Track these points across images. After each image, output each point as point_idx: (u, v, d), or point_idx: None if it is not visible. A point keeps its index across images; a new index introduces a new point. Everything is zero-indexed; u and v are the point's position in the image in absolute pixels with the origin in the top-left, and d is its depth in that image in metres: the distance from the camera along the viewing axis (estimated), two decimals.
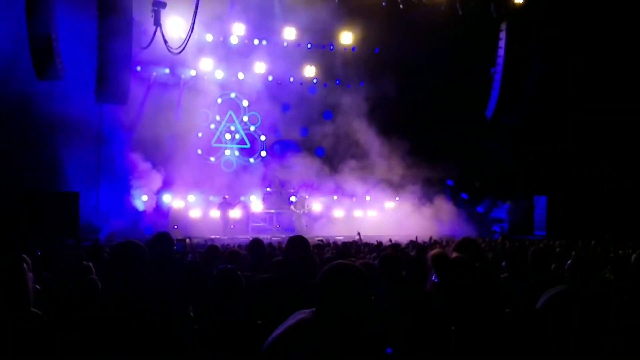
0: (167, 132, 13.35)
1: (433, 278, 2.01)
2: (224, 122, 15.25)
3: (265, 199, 14.09)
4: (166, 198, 12.99)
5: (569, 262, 3.27)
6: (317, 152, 14.88)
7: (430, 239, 8.19)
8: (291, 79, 15.10)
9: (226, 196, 13.24)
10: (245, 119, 15.46)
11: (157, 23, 10.64)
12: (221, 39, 13.87)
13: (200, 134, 14.81)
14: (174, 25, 11.69)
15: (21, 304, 2.17)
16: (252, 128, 15.51)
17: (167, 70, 13.76)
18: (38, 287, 2.98)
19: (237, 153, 15.36)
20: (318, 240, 8.21)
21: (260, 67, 14.46)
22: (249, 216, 13.52)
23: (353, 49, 14.63)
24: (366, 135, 14.23)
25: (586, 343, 2.18)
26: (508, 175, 14.78)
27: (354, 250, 6.50)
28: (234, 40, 13.93)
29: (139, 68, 12.97)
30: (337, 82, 15.33)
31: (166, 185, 12.99)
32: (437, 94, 13.75)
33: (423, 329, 2.16)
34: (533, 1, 12.23)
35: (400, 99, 14.18)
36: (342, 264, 1.76)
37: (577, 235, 10.09)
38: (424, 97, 13.98)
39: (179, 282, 3.36)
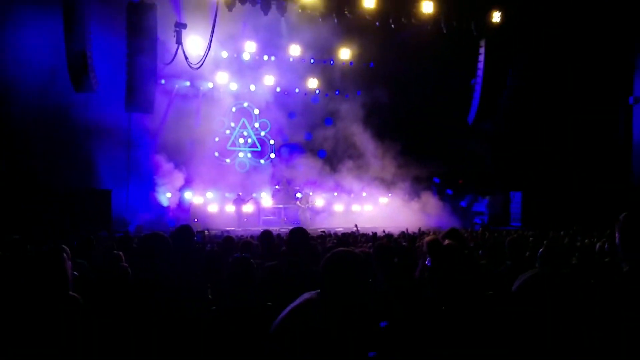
0: (188, 137, 13.33)
1: (427, 262, 2.00)
2: (237, 128, 15.22)
3: (274, 195, 14.06)
4: (187, 195, 12.98)
5: (541, 249, 3.26)
6: (320, 153, 14.83)
7: (419, 230, 8.15)
8: (296, 90, 15.05)
9: (240, 193, 13.22)
10: (257, 125, 15.43)
11: (179, 42, 10.65)
12: (235, 55, 13.85)
13: (217, 139, 14.78)
14: (194, 44, 11.68)
15: (61, 289, 2.16)
16: (263, 133, 15.48)
17: (187, 83, 13.74)
18: (76, 273, 2.97)
19: (249, 155, 15.33)
20: (320, 231, 8.18)
21: (269, 79, 14.43)
22: (260, 210, 13.49)
23: (351, 63, 14.59)
24: (362, 139, 14.18)
25: (557, 318, 2.16)
26: (487, 174, 14.72)
27: (352, 240, 6.47)
28: (246, 56, 13.91)
29: (163, 81, 12.95)
30: (337, 92, 15.27)
31: (187, 183, 12.98)
32: (424, 102, 13.70)
33: (413, 309, 2.14)
34: (509, 22, 12.19)
35: (393, 107, 14.13)
36: (343, 251, 1.75)
37: (549, 226, 10.03)
38: (413, 105, 13.93)
39: (199, 268, 3.35)
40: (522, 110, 13.68)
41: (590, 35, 12.68)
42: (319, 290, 1.70)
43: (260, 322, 2.02)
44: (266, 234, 3.99)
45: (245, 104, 15.27)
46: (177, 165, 12.79)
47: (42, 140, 10.80)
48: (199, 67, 11.20)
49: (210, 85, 14.06)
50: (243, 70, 14.12)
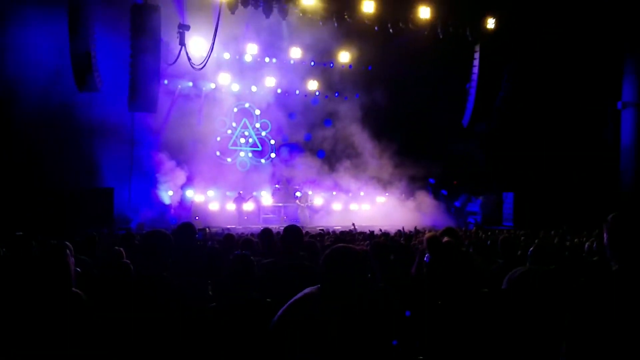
0: (190, 137, 13.28)
1: (425, 258, 1.99)
2: (239, 128, 15.19)
3: (274, 194, 14.04)
4: (189, 193, 12.94)
5: (531, 248, 3.27)
6: (319, 154, 14.83)
7: (415, 228, 8.15)
8: (297, 92, 15.03)
9: (240, 191, 13.20)
10: (258, 125, 15.40)
11: (182, 43, 10.61)
12: (237, 57, 13.82)
13: (218, 138, 14.74)
14: (197, 45, 11.63)
15: (64, 285, 2.14)
16: (264, 133, 15.45)
17: (190, 84, 13.69)
18: (78, 269, 2.95)
19: (250, 155, 15.31)
20: (319, 229, 8.18)
21: (270, 81, 14.41)
22: (260, 209, 13.47)
23: (350, 66, 14.59)
24: (360, 139, 14.20)
25: (544, 312, 2.16)
26: (481, 175, 14.78)
27: (349, 238, 6.45)
28: (248, 58, 13.87)
29: (166, 81, 12.90)
30: (336, 94, 15.26)
31: (189, 182, 12.93)
32: (421, 105, 13.73)
33: (409, 303, 2.14)
34: (503, 28, 12.24)
35: (390, 109, 14.15)
36: (343, 246, 1.75)
37: (539, 226, 10.07)
38: (410, 108, 13.96)
39: (200, 265, 3.34)
40: (515, 113, 13.74)
41: (580, 42, 12.78)
42: (318, 286, 1.70)
43: (260, 318, 2.01)
44: (266, 231, 3.97)
45: (247, 105, 15.24)
46: (179, 164, 12.75)
47: (46, 139, 10.74)
48: (202, 68, 11.17)
49: (213, 86, 14.02)
50: (245, 71, 14.09)
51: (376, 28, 11.57)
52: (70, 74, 10.17)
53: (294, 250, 2.90)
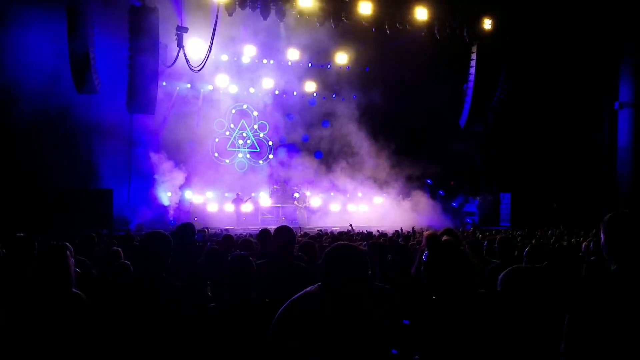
0: (188, 138, 13.28)
1: (424, 256, 1.99)
2: (237, 130, 15.19)
3: (272, 195, 14.04)
4: (187, 194, 12.92)
5: (527, 248, 3.29)
6: (317, 154, 14.84)
7: (413, 229, 8.16)
8: (295, 93, 15.05)
9: (239, 192, 13.19)
10: (256, 126, 15.40)
11: (180, 45, 10.60)
12: (235, 58, 13.83)
13: (217, 140, 14.75)
14: (195, 47, 11.63)
15: (64, 286, 2.15)
16: (261, 134, 15.45)
17: (188, 85, 13.69)
18: (78, 270, 2.95)
19: (248, 156, 15.31)
20: (317, 230, 8.18)
21: (268, 82, 14.42)
22: (258, 210, 13.47)
23: (347, 67, 14.62)
24: (358, 140, 14.22)
25: (535, 309, 2.16)
26: (478, 175, 14.82)
27: (347, 239, 6.46)
28: (245, 59, 13.89)
29: (164, 83, 12.89)
30: (334, 95, 15.29)
31: (187, 183, 12.92)
32: (418, 106, 13.76)
33: (407, 301, 2.14)
34: (499, 29, 12.29)
35: (387, 110, 14.18)
36: (344, 244, 1.75)
37: (536, 225, 10.12)
38: (407, 108, 13.99)
39: (200, 266, 3.34)
40: (512, 114, 13.79)
41: (578, 43, 12.84)
42: (318, 284, 1.70)
43: (259, 318, 2.02)
44: (265, 232, 3.97)
45: (245, 106, 15.24)
46: (178, 165, 12.74)
47: (45, 140, 10.71)
48: (200, 70, 11.16)
49: (211, 87, 14.02)
50: (242, 73, 14.10)
51: (373, 29, 11.58)
52: (69, 75, 10.15)
53: (287, 250, 2.90)
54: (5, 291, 2.24)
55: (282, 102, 14.90)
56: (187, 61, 10.82)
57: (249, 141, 15.35)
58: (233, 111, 15.09)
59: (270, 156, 15.36)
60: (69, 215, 9.46)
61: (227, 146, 15.01)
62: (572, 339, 1.62)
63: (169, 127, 13.00)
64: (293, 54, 13.76)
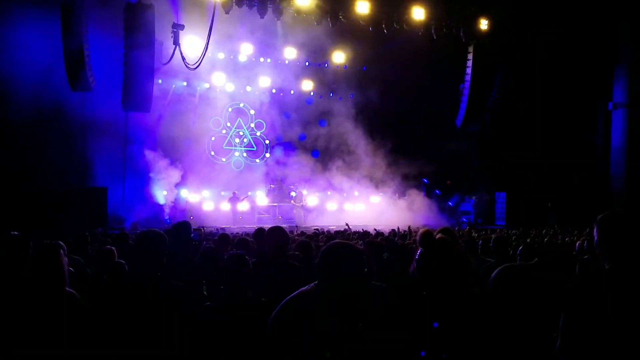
0: (185, 136, 13.22)
1: (418, 253, 1.99)
2: (233, 128, 15.13)
3: (269, 193, 14.02)
4: (183, 192, 12.87)
5: (521, 246, 3.31)
6: (313, 153, 14.83)
7: (409, 228, 8.18)
8: (291, 92, 15.02)
9: (235, 191, 13.15)
10: (252, 125, 15.36)
11: (176, 42, 10.53)
12: (231, 56, 13.77)
13: (213, 138, 14.68)
14: (191, 45, 11.56)
15: (58, 284, 2.13)
16: (258, 133, 15.42)
17: (184, 83, 13.61)
18: (72, 269, 2.92)
19: (245, 154, 15.26)
20: (314, 229, 8.18)
21: (265, 81, 14.37)
22: (255, 208, 13.44)
23: (344, 66, 14.61)
24: (354, 139, 14.23)
25: (526, 306, 2.17)
26: (474, 175, 14.89)
27: (343, 238, 6.48)
28: (242, 58, 13.83)
29: (160, 81, 12.81)
30: (331, 94, 15.28)
31: (183, 181, 12.86)
32: (415, 105, 13.80)
33: (402, 298, 2.14)
34: (496, 29, 12.34)
35: (384, 109, 14.20)
36: (340, 242, 1.74)
37: (531, 224, 10.20)
38: (404, 108, 14.02)
39: (196, 265, 3.32)
40: (508, 114, 13.87)
41: (573, 44, 12.94)
42: (315, 283, 1.69)
43: (256, 317, 2.01)
44: (261, 231, 3.96)
45: (241, 105, 15.19)
46: (173, 163, 12.68)
47: (39, 137, 10.62)
48: (196, 68, 11.10)
49: (207, 85, 13.95)
50: (239, 71, 14.04)
51: (370, 29, 11.59)
52: (63, 73, 10.05)
53: (281, 251, 2.89)
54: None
55: (278, 100, 14.86)
56: (183, 59, 10.75)
57: (245, 140, 15.30)
58: (229, 109, 15.03)
59: (267, 155, 15.33)
60: (63, 214, 9.38)
61: (224, 145, 14.96)
62: (567, 337, 1.63)
63: (164, 125, 12.92)
64: (290, 53, 13.72)
